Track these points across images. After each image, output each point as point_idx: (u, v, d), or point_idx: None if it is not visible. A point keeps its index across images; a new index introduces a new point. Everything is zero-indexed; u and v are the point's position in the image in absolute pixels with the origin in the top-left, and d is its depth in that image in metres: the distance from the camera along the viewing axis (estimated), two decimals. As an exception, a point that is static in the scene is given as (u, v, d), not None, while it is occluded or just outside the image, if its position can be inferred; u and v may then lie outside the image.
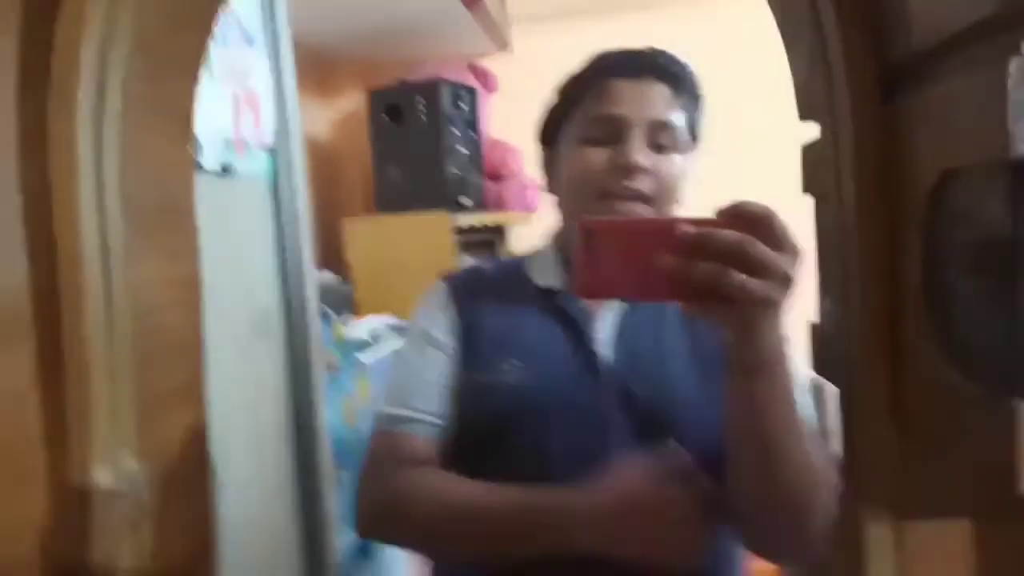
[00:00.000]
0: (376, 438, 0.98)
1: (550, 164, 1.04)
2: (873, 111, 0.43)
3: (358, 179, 2.66)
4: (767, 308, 0.61)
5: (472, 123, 2.53)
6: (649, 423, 0.90)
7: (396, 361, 1.03)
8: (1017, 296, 0.35)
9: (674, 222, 0.60)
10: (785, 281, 0.60)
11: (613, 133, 0.94)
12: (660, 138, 0.94)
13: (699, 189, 1.01)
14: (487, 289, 1.03)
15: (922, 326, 0.40)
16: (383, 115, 2.41)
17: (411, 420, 0.94)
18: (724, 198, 0.62)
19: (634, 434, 0.89)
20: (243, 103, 1.20)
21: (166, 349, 0.51)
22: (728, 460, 0.80)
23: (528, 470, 0.89)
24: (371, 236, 2.40)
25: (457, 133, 2.43)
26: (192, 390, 0.54)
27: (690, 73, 0.99)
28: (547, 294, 0.99)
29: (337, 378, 1.56)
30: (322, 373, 1.42)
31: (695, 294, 0.60)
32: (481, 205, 2.53)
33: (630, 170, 0.92)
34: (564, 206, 1.02)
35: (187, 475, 0.52)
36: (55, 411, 0.40)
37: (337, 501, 1.36)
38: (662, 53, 0.99)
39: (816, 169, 0.54)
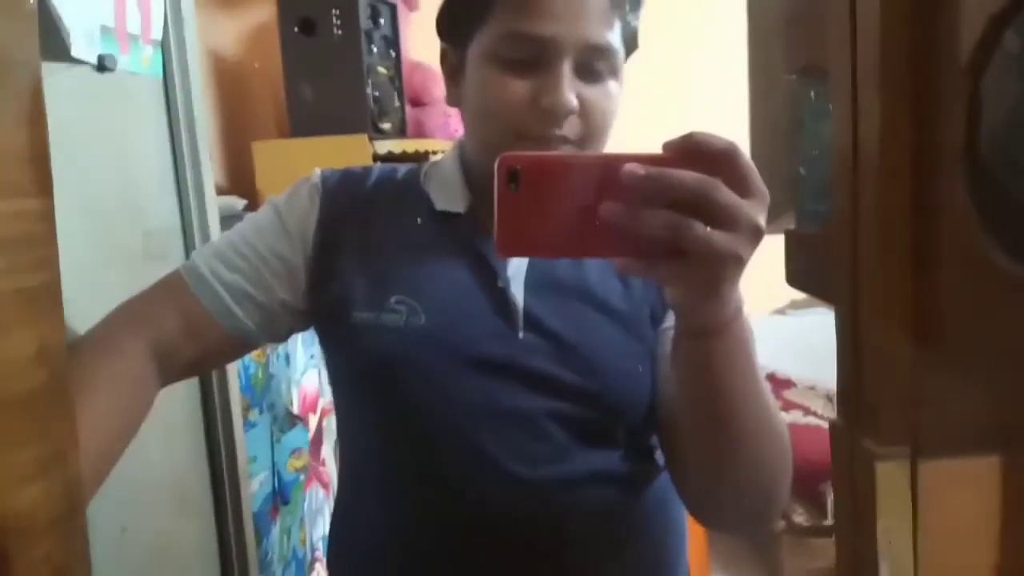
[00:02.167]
0: (169, 275, 0.85)
1: (456, 71, 0.83)
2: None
3: (268, 99, 2.46)
4: (733, 265, 0.51)
5: (392, 41, 2.36)
6: (567, 378, 0.77)
7: (240, 225, 0.88)
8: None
9: (617, 160, 0.48)
10: (755, 233, 0.50)
11: (536, 58, 0.74)
12: (595, 64, 0.75)
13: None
14: (370, 201, 0.86)
15: (960, 210, 0.32)
16: (295, 28, 2.22)
17: (206, 286, 0.81)
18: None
19: (549, 391, 0.77)
20: (125, -14, 1.03)
21: (1, 244, 0.39)
22: (680, 429, 0.74)
23: (420, 425, 0.78)
24: (283, 161, 2.23)
25: (376, 51, 2.26)
26: (41, 298, 0.42)
27: None
28: (447, 218, 0.83)
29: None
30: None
31: (643, 249, 0.49)
32: (402, 131, 2.38)
33: (557, 114, 0.74)
34: (473, 136, 0.84)
35: (42, 407, 0.40)
36: None
37: (248, 441, 1.25)
38: None
39: (808, 39, 0.45)
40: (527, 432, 0.77)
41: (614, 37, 0.76)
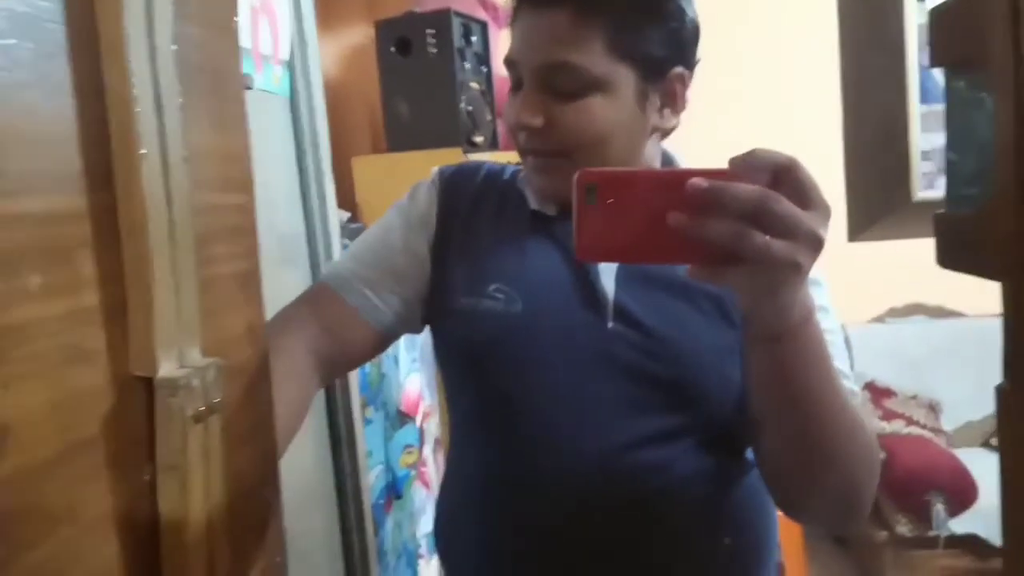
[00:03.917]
0: (314, 285, 0.93)
1: None
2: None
3: (366, 116, 2.57)
4: (792, 272, 0.54)
5: (484, 58, 2.43)
6: (653, 367, 0.81)
7: (369, 230, 0.95)
8: None
9: (684, 175, 0.53)
10: (814, 242, 0.53)
11: (516, 80, 0.85)
12: (557, 83, 0.80)
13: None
14: (479, 195, 0.92)
15: None
16: (392, 48, 2.31)
17: (349, 287, 0.87)
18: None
19: (635, 379, 0.81)
20: (260, 12, 1.11)
21: (223, 232, 0.44)
22: (760, 427, 0.76)
23: (509, 406, 0.83)
24: (381, 175, 2.32)
25: (469, 68, 2.33)
26: (250, 282, 0.47)
27: None
28: (541, 217, 0.89)
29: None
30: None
31: (709, 257, 0.54)
32: (494, 144, 2.44)
33: (519, 128, 0.83)
34: None
35: (251, 377, 0.45)
36: (112, 283, 0.33)
37: (366, 438, 1.31)
38: None
39: (958, 32, 0.47)
40: (612, 418, 0.81)
41: (581, 55, 0.78)
